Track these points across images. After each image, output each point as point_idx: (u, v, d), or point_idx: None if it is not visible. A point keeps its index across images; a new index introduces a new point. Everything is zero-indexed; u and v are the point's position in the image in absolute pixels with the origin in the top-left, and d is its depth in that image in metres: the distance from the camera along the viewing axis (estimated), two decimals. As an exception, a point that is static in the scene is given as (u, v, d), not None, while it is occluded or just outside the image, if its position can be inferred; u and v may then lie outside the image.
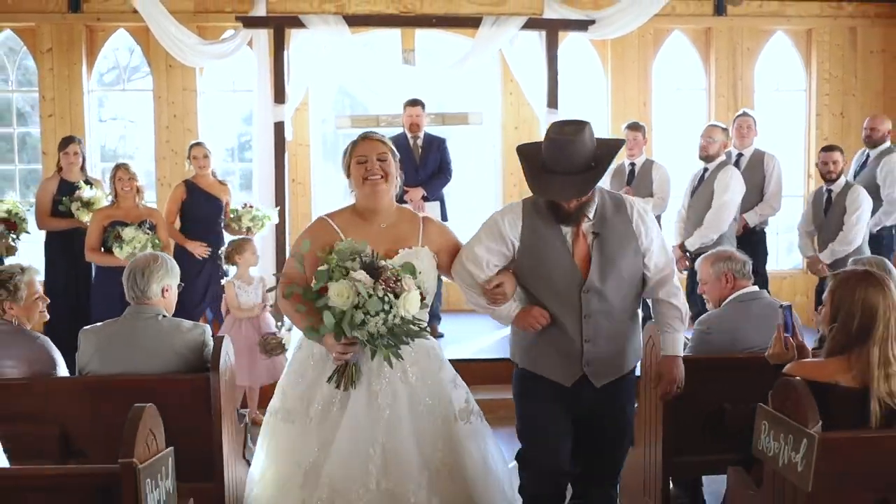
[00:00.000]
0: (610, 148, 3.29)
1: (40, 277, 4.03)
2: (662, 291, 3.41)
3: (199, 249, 6.44)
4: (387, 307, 2.99)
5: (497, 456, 3.48)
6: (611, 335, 3.33)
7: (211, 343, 3.69)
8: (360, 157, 3.36)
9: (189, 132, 8.61)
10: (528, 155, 3.36)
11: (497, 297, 3.31)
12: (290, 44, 7.85)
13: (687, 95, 9.11)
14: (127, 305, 3.78)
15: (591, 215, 3.29)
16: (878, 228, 6.74)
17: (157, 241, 5.93)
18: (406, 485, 3.16)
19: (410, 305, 3.06)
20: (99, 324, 3.73)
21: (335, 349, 3.15)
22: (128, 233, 5.82)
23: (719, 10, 8.89)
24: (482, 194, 9.19)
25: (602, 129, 8.72)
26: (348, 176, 3.45)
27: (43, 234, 6.66)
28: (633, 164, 7.19)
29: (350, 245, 3.15)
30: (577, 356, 3.31)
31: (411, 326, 3.10)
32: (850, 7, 9.05)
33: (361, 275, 3.02)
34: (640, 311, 3.48)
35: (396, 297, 3.02)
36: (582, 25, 7.75)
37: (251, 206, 6.78)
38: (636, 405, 3.52)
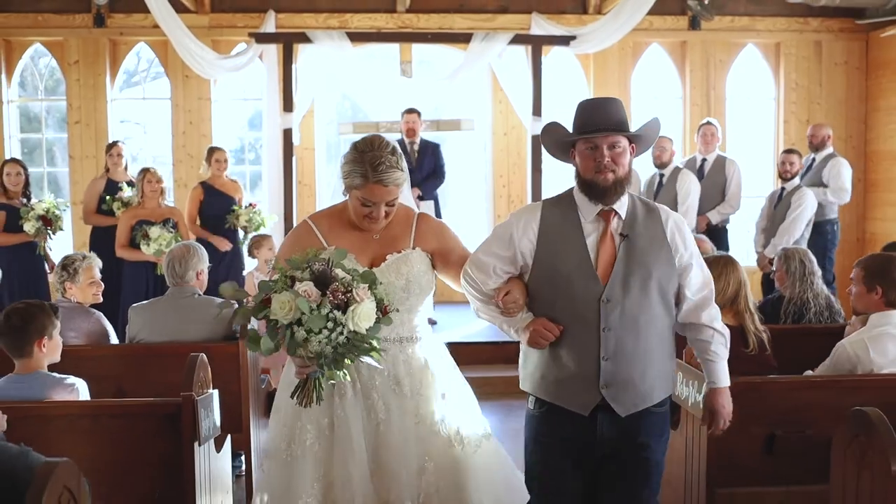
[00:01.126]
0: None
1: (100, 265, 4.76)
2: (705, 315, 3.04)
3: (223, 244, 7.18)
4: (330, 325, 2.68)
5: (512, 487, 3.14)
6: (634, 354, 2.92)
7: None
8: (367, 201, 3.01)
9: (203, 137, 9.34)
10: (556, 129, 3.06)
11: (509, 307, 2.97)
12: (297, 57, 8.56)
13: (664, 104, 9.84)
14: (151, 293, 4.52)
15: (621, 211, 2.99)
16: (822, 222, 7.52)
17: (179, 237, 6.66)
18: (403, 500, 2.97)
19: (362, 319, 2.72)
20: (145, 301, 4.50)
21: (294, 363, 2.87)
22: (154, 231, 6.54)
23: (694, 24, 9.62)
24: (474, 194, 9.91)
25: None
26: (345, 194, 3.12)
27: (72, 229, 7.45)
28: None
29: (319, 253, 2.86)
30: (594, 377, 2.92)
31: (362, 343, 2.76)
32: (815, 23, 9.78)
33: (307, 286, 2.70)
34: (673, 336, 3.09)
35: (344, 310, 2.71)
36: (564, 41, 8.48)
37: (254, 206, 7.46)
38: (667, 447, 3.10)
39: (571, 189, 3.05)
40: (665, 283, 2.96)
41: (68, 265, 4.44)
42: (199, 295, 4.50)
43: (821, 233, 7.55)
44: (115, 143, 7.49)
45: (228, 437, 3.63)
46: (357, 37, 8.52)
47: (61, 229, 7.05)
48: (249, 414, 4.28)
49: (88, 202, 7.32)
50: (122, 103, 9.63)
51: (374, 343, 2.78)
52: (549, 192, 8.47)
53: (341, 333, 2.69)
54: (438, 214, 7.89)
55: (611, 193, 2.91)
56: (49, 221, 6.73)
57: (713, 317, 3.03)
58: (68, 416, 3.19)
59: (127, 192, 7.12)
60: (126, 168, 7.47)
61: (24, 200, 6.90)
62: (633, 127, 3.03)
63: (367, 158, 2.95)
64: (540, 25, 8.90)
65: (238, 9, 9.21)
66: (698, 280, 3.01)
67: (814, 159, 7.92)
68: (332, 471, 2.96)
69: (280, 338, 2.71)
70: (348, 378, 2.84)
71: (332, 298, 2.68)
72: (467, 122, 9.09)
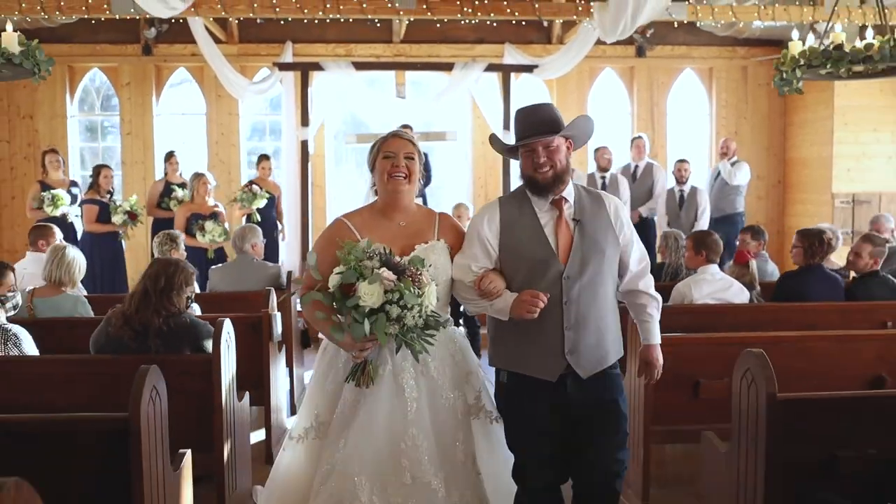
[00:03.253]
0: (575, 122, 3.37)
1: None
2: (642, 283, 3.46)
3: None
4: (420, 301, 3.00)
5: (506, 459, 3.44)
6: (592, 323, 3.27)
7: (283, 275, 6.37)
8: (388, 153, 3.38)
9: (233, 147, 11.26)
10: (495, 141, 3.59)
11: (490, 292, 3.25)
12: (312, 81, 10.45)
13: (615, 119, 11.74)
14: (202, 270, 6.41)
15: (570, 199, 3.33)
16: (734, 213, 9.50)
17: (225, 229, 8.53)
18: (432, 478, 3.16)
19: (432, 298, 3.09)
20: (220, 265, 6.42)
21: (354, 347, 3.15)
22: (208, 225, 8.38)
23: (640, 53, 11.55)
24: (456, 193, 11.78)
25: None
26: (373, 170, 3.47)
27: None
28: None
29: (365, 245, 3.15)
30: (559, 345, 3.24)
31: (434, 318, 3.13)
32: (742, 51, 11.71)
33: (386, 272, 2.99)
34: (617, 305, 3.45)
35: (422, 290, 3.03)
36: (529, 69, 10.39)
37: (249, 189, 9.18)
38: (626, 400, 3.44)
39: (521, 186, 3.40)
40: (612, 258, 3.34)
41: (175, 238, 6.32)
42: (256, 260, 6.43)
43: (732, 222, 9.50)
44: (172, 153, 9.38)
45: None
46: (360, 65, 10.38)
47: (141, 222, 8.93)
48: (293, 344, 6.21)
49: (151, 199, 9.24)
50: (166, 118, 11.52)
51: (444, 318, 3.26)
52: (517, 183, 10.43)
53: (428, 307, 3.05)
54: (426, 209, 9.77)
55: (552, 186, 3.26)
56: (133, 215, 8.62)
57: (649, 284, 3.48)
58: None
59: (180, 192, 9.02)
60: (180, 173, 9.38)
61: (109, 197, 8.80)
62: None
63: (387, 133, 3.52)
64: (511, 54, 10.80)
65: (262, 40, 11.11)
66: (637, 254, 3.42)
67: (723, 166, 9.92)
68: (362, 442, 3.16)
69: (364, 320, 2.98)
70: (426, 352, 3.16)
71: (411, 280, 3.00)
72: (451, 134, 10.94)
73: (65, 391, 3.62)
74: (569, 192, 3.33)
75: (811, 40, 6.56)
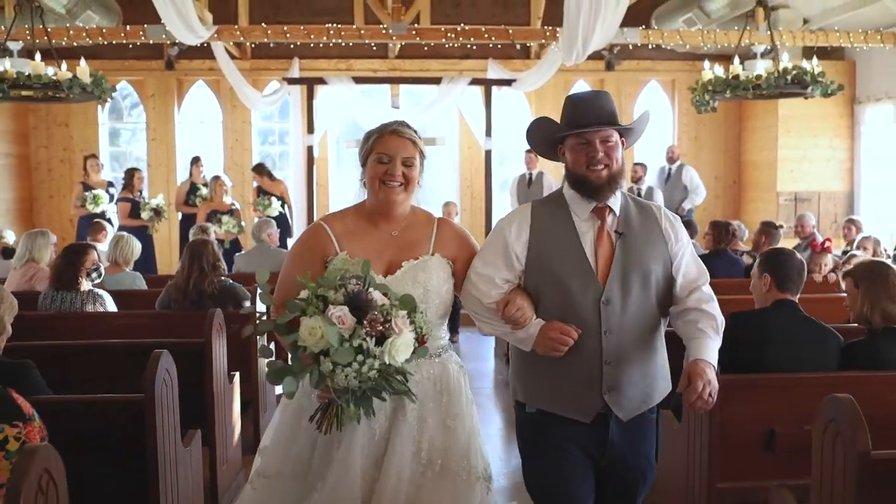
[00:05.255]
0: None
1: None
2: (692, 298, 2.87)
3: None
4: (361, 357, 2.46)
5: None
6: (636, 356, 2.80)
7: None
8: (383, 156, 2.82)
9: (246, 151, 12.65)
10: (546, 124, 2.93)
11: (515, 316, 2.76)
12: (317, 93, 11.81)
13: (588, 125, 13.09)
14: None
15: (615, 208, 2.84)
16: (686, 211, 10.85)
17: (239, 222, 9.91)
18: None
19: (399, 352, 2.51)
20: (243, 252, 7.81)
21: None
22: (225, 219, 9.76)
23: (609, 66, 12.90)
24: (446, 192, 13.14)
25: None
26: (363, 166, 2.89)
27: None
28: (531, 174, 11.23)
29: (342, 266, 2.71)
30: (597, 382, 2.78)
31: (395, 378, 2.55)
32: (700, 65, 12.90)
33: (341, 312, 2.48)
34: (663, 331, 2.94)
35: (381, 342, 2.49)
36: (508, 83, 11.75)
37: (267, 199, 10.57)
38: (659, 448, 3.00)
39: (559, 189, 2.94)
40: (662, 279, 2.85)
41: (205, 229, 7.70)
42: (272, 247, 7.81)
43: (690, 226, 10.86)
44: (198, 158, 10.76)
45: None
46: (359, 79, 11.76)
47: (165, 218, 10.31)
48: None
49: (179, 197, 10.63)
50: (186, 125, 12.89)
51: (406, 377, 2.57)
52: (497, 183, 11.83)
53: (372, 367, 2.46)
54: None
55: (605, 189, 2.78)
56: (159, 212, 10.01)
57: (702, 300, 2.87)
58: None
59: (203, 191, 10.41)
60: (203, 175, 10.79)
61: (138, 194, 10.20)
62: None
63: (382, 124, 2.90)
64: (493, 68, 12.16)
65: (271, 56, 12.49)
66: (691, 270, 2.90)
67: (671, 169, 11.28)
68: (322, 490, 2.73)
69: (304, 364, 2.49)
70: (370, 416, 2.61)
71: (369, 329, 2.48)
72: (440, 140, 12.21)
73: (138, 336, 4.93)
74: (615, 200, 2.84)
75: (737, 63, 7.91)
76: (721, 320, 2.85)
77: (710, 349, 2.77)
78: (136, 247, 6.53)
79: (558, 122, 2.89)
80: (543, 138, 2.93)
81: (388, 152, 2.83)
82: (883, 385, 3.53)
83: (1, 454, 2.37)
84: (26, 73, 6.92)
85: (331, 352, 2.43)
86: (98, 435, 3.24)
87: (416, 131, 2.90)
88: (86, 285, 5.24)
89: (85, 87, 6.89)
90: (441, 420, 2.85)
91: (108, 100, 7.26)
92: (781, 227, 8.00)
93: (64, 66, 7.23)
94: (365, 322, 2.48)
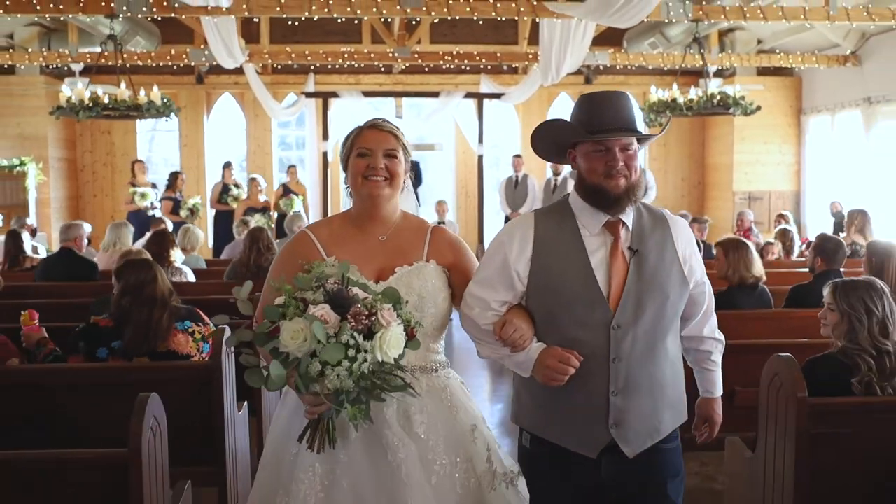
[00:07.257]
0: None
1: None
2: (707, 328, 2.72)
3: None
4: (351, 352, 2.28)
5: None
6: (646, 387, 2.53)
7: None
8: (363, 150, 2.66)
9: (267, 156, 14.32)
10: (560, 126, 2.59)
11: (514, 341, 2.50)
12: (330, 105, 13.47)
13: (569, 133, 14.75)
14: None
15: (628, 222, 2.55)
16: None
17: (270, 218, 11.57)
18: None
19: (391, 346, 2.32)
20: (278, 240, 9.48)
21: (304, 401, 2.45)
22: (256, 217, 11.41)
23: (588, 80, 14.58)
24: (443, 192, 14.82)
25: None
26: (345, 169, 2.73)
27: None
28: (517, 176, 12.90)
29: (322, 268, 2.47)
30: (602, 415, 2.51)
31: (392, 375, 2.37)
32: (669, 79, 14.56)
33: (322, 310, 2.30)
34: (680, 355, 2.69)
35: (369, 336, 2.31)
36: (497, 96, 13.43)
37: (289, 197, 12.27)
38: (682, 488, 2.66)
39: (564, 198, 2.64)
40: (678, 303, 2.59)
41: (246, 222, 9.35)
42: (301, 238, 9.47)
43: None
44: (230, 163, 12.44)
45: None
46: (367, 93, 13.47)
47: (200, 217, 11.96)
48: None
49: (213, 196, 12.31)
50: (214, 133, 14.53)
51: (404, 377, 2.40)
52: (488, 183, 13.52)
53: (364, 361, 2.31)
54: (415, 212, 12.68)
55: (622, 201, 2.49)
56: (194, 212, 11.68)
57: (714, 327, 2.76)
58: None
59: (235, 191, 12.07)
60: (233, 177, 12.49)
61: (179, 194, 11.88)
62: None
63: (363, 123, 2.77)
64: (486, 83, 13.82)
65: (290, 72, 14.12)
66: (705, 292, 2.68)
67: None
68: None
69: (291, 370, 2.32)
70: (367, 422, 2.41)
71: (353, 324, 2.31)
72: (438, 146, 14.04)
73: (209, 293, 6.51)
74: (628, 214, 2.57)
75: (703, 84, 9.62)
76: (723, 340, 2.84)
77: (719, 382, 2.85)
78: (200, 236, 8.19)
79: (568, 120, 2.60)
80: (554, 141, 2.62)
81: (368, 146, 2.67)
82: (735, 321, 4.86)
83: (190, 339, 4.03)
84: (114, 97, 8.67)
85: (318, 351, 2.28)
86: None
87: (397, 128, 2.75)
88: (177, 260, 6.91)
89: (158, 109, 8.57)
90: (461, 432, 2.68)
91: (175, 116, 8.92)
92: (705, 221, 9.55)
93: (142, 91, 8.95)
94: (349, 317, 2.33)
